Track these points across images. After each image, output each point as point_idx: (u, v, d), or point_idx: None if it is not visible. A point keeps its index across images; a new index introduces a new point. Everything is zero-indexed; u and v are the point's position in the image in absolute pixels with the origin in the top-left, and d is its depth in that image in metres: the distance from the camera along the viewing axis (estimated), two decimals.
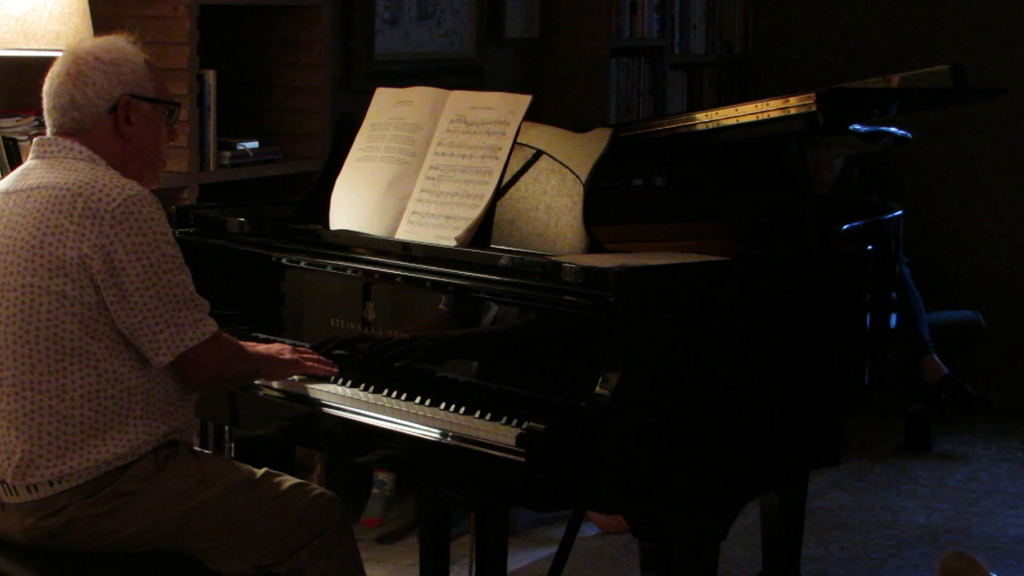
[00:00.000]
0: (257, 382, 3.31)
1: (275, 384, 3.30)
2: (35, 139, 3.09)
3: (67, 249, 2.91)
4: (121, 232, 2.90)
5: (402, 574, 4.64)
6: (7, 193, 3.03)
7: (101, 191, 2.92)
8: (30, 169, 3.05)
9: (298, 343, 3.34)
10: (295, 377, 3.27)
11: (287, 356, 3.23)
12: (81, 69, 3.03)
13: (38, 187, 2.98)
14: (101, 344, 2.93)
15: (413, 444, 3.01)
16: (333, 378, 3.26)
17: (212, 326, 2.99)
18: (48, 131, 3.08)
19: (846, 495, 5.53)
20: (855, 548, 4.99)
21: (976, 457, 6.07)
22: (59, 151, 3.03)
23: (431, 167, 3.32)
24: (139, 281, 2.91)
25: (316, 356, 3.27)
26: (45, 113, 3.08)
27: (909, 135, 4.00)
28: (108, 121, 3.04)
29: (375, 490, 4.97)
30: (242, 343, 3.17)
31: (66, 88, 3.04)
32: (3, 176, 3.79)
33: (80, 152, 3.02)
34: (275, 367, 3.23)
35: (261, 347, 3.26)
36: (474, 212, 3.21)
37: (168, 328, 2.93)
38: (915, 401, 6.16)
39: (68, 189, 2.94)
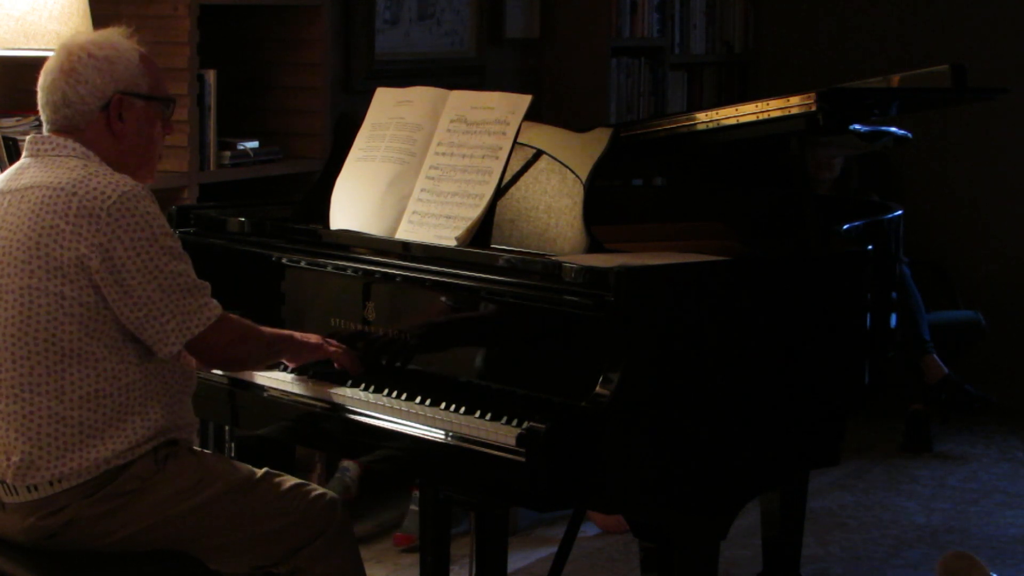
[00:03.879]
0: (258, 382, 3.31)
1: (275, 384, 3.30)
2: (28, 137, 3.07)
3: (64, 250, 2.90)
4: (118, 229, 2.89)
5: (402, 574, 4.64)
6: (2, 193, 3.03)
7: (95, 189, 2.91)
8: (24, 168, 3.04)
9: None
10: (301, 376, 3.28)
11: (312, 341, 3.22)
12: (73, 65, 3.02)
13: (32, 187, 2.97)
14: (100, 343, 2.92)
15: (413, 444, 3.01)
16: (334, 378, 3.26)
17: (216, 308, 2.99)
18: (44, 126, 3.07)
19: (846, 495, 5.53)
20: (855, 548, 4.99)
21: (976, 457, 6.07)
22: (52, 149, 3.02)
23: (431, 167, 3.32)
24: (140, 276, 2.90)
25: (345, 348, 3.25)
26: (39, 108, 3.07)
27: (909, 135, 4.00)
28: (100, 119, 3.03)
29: (413, 507, 4.87)
30: (258, 326, 3.15)
31: (58, 85, 3.02)
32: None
33: (73, 149, 3.01)
34: (295, 349, 3.22)
35: (286, 331, 3.23)
36: (474, 212, 3.21)
37: (175, 317, 2.93)
38: (915, 401, 6.16)
39: (62, 189, 2.93)
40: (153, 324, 2.93)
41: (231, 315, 3.06)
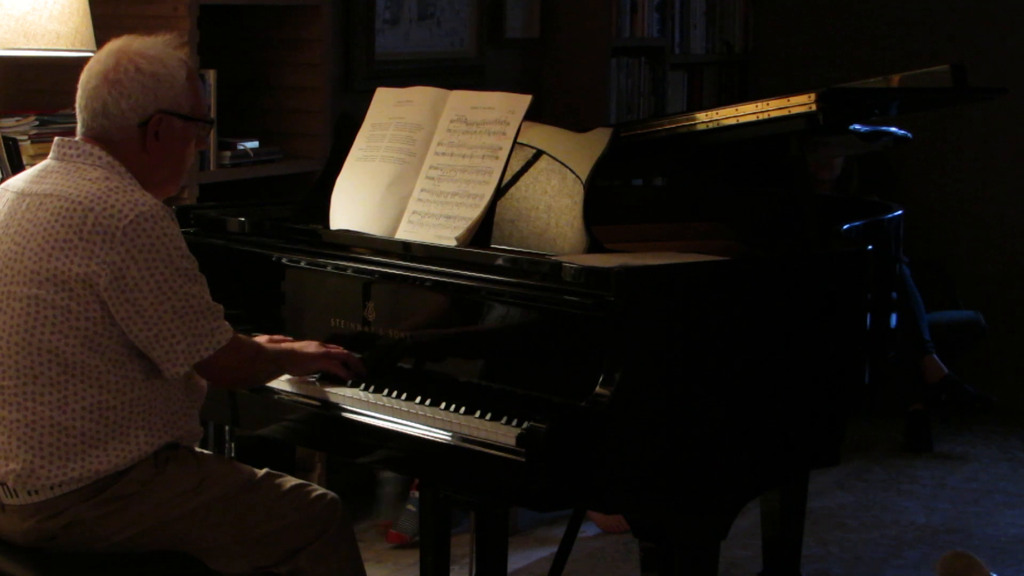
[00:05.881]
0: None
1: (275, 384, 3.30)
2: (56, 139, 3.04)
3: (73, 265, 2.88)
4: (132, 249, 2.87)
5: (402, 574, 4.64)
6: (22, 194, 3.00)
7: (112, 207, 2.88)
8: (48, 171, 3.01)
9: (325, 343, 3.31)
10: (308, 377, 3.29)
11: (312, 351, 3.22)
12: (119, 76, 2.98)
13: (52, 195, 2.94)
14: (104, 359, 2.91)
15: (413, 444, 3.01)
16: (334, 378, 3.26)
17: (228, 332, 2.98)
18: (78, 127, 3.03)
19: (846, 495, 5.53)
20: (855, 548, 4.99)
21: (976, 457, 6.07)
22: (78, 155, 2.99)
23: (431, 167, 3.32)
24: (152, 296, 2.88)
25: (345, 353, 3.24)
26: (77, 108, 3.03)
27: (909, 135, 3.99)
28: (136, 134, 3.00)
29: (410, 507, 4.85)
30: (262, 342, 3.16)
31: (100, 92, 2.99)
32: (4, 178, 3.79)
33: (99, 159, 2.98)
34: (299, 362, 3.22)
35: (284, 344, 3.24)
36: (474, 212, 3.21)
37: (185, 339, 2.92)
38: (915, 401, 6.16)
39: (80, 203, 2.90)
40: (163, 344, 2.91)
41: (241, 336, 3.04)
